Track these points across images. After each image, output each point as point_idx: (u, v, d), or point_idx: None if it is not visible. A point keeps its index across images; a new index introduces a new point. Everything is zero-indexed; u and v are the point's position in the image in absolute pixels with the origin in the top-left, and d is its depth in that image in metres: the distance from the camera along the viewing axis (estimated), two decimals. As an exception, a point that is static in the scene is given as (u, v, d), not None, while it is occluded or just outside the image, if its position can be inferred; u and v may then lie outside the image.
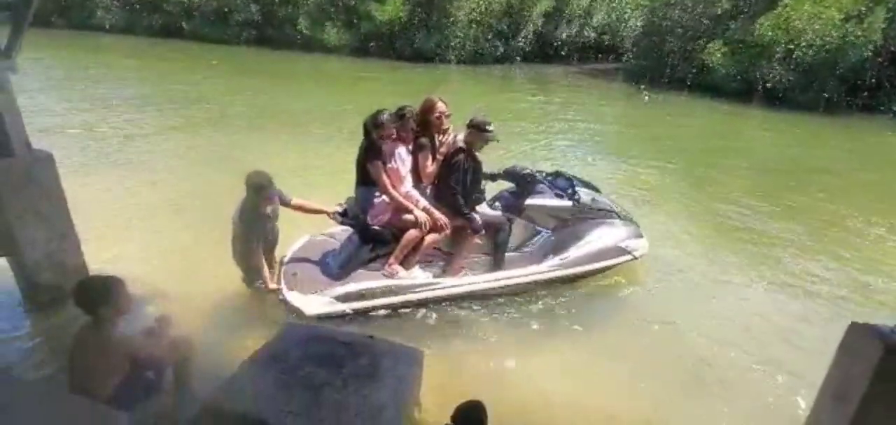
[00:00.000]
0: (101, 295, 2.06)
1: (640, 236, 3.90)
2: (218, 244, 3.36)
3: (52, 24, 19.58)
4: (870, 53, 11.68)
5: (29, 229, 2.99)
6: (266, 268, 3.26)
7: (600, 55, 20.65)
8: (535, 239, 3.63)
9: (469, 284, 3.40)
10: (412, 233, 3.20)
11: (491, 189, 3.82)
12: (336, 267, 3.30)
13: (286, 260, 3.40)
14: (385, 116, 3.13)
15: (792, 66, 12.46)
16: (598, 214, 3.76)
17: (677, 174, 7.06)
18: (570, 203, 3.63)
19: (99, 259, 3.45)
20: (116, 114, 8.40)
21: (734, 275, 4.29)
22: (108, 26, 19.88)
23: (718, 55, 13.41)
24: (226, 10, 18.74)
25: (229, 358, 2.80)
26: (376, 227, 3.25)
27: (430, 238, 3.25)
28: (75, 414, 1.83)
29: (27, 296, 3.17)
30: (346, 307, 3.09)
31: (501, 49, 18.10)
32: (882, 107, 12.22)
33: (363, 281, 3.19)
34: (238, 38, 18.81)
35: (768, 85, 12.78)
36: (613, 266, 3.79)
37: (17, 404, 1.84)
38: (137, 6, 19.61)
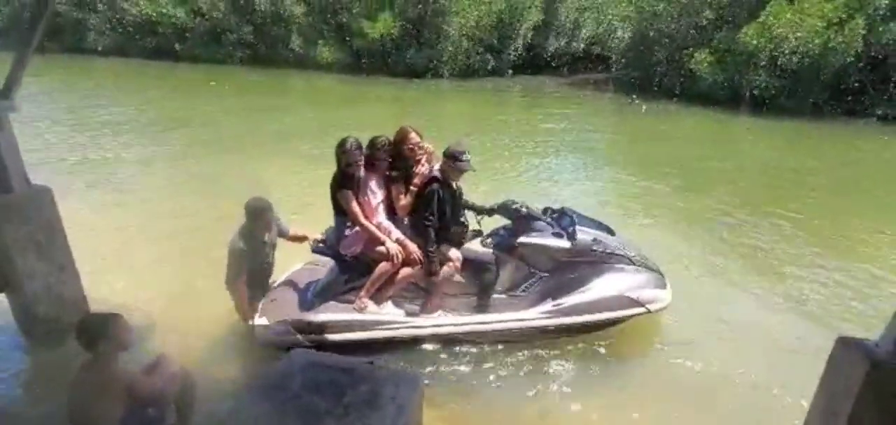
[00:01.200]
0: (100, 331, 2.07)
1: (661, 286, 3.42)
2: (217, 272, 3.37)
3: (44, 48, 19.58)
4: (852, 58, 11.96)
5: (28, 262, 3.00)
6: (245, 300, 3.18)
7: (590, 65, 20.96)
8: (529, 282, 3.33)
9: (445, 325, 3.19)
10: (384, 266, 3.05)
11: (488, 225, 3.59)
12: (311, 297, 3.22)
13: (273, 285, 3.37)
14: (350, 143, 3.01)
15: (777, 73, 12.73)
16: (602, 258, 3.32)
17: (671, 184, 7.15)
18: (567, 243, 3.28)
19: (97, 290, 3.45)
20: (111, 141, 8.42)
21: (735, 287, 4.31)
22: (100, 49, 19.93)
23: (705, 64, 13.66)
24: (218, 30, 18.87)
25: (230, 389, 2.83)
26: (349, 258, 3.13)
27: (404, 272, 3.10)
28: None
29: (25, 330, 3.16)
30: (305, 339, 2.97)
31: (492, 62, 18.33)
32: (866, 111, 12.48)
33: (331, 312, 3.07)
34: (232, 57, 18.92)
35: (755, 92, 13.03)
36: (619, 319, 3.36)
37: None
38: (130, 29, 19.69)
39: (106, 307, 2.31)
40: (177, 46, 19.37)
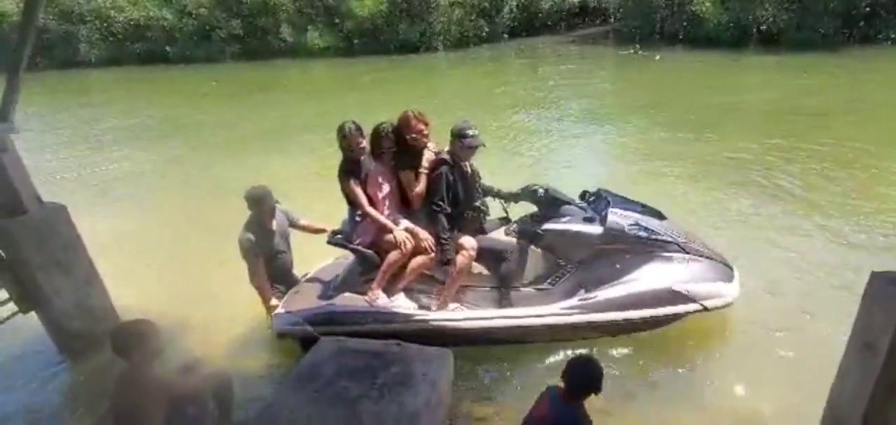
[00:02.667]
0: (134, 339, 2.11)
1: (725, 279, 2.93)
2: (231, 271, 3.37)
3: (36, 65, 19.47)
4: (860, -19, 11.48)
5: (54, 281, 3.04)
6: (265, 291, 3.17)
7: (587, 19, 20.34)
8: (557, 274, 2.99)
9: (461, 320, 2.91)
10: (393, 256, 2.89)
11: (518, 212, 3.30)
12: (331, 289, 3.15)
13: (303, 279, 3.39)
14: (348, 127, 2.89)
15: (785, 6, 12.26)
16: (644, 245, 2.88)
17: (689, 133, 6.94)
18: (599, 229, 2.89)
19: (123, 300, 3.51)
20: (112, 151, 8.44)
21: (776, 226, 4.23)
22: (93, 60, 19.78)
23: (708, 4, 13.20)
24: (207, 27, 18.60)
25: (263, 381, 2.88)
26: (361, 249, 3.00)
27: (416, 261, 2.92)
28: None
29: (60, 346, 3.24)
30: (316, 331, 2.85)
31: (487, 28, 17.88)
32: (880, 36, 12.02)
33: (344, 304, 2.98)
34: (223, 54, 18.70)
35: (762, 28, 12.60)
36: (667, 317, 2.90)
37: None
38: (120, 36, 19.47)
39: (132, 315, 2.34)
40: (167, 49, 19.17)
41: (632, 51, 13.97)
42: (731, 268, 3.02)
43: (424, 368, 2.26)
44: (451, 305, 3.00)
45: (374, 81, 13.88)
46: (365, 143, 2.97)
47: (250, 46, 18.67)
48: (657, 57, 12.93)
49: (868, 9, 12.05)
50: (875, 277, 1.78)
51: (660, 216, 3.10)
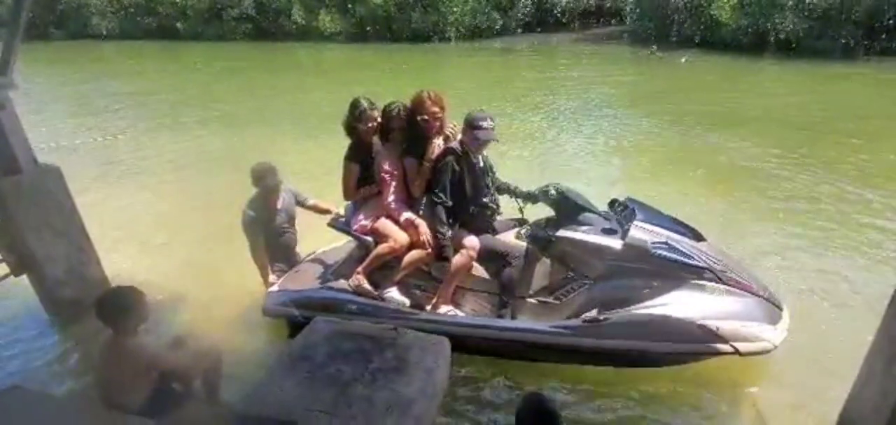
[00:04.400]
0: (120, 307, 2.05)
1: (769, 320, 2.46)
2: (233, 247, 3.32)
3: (50, 35, 19.55)
4: (887, -7, 11.20)
5: (46, 245, 2.99)
6: (264, 269, 3.13)
7: (602, 19, 20.05)
8: (567, 287, 2.68)
9: (449, 325, 2.62)
10: (382, 248, 2.73)
11: (532, 213, 3.03)
12: (329, 273, 3.03)
13: (305, 259, 3.30)
14: (363, 103, 2.70)
15: (805, 14, 12.00)
16: (673, 268, 2.47)
17: (715, 135, 6.75)
18: (619, 243, 2.54)
19: (117, 270, 3.45)
20: (119, 122, 8.42)
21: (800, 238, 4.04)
22: (104, 32, 19.82)
23: (728, 8, 12.94)
24: (218, 6, 18.52)
25: (255, 361, 2.81)
26: (359, 235, 2.86)
27: (412, 256, 2.73)
28: (107, 429, 1.83)
29: (50, 311, 3.19)
30: (299, 314, 2.73)
31: (500, 21, 17.67)
32: (902, 49, 11.74)
33: (332, 292, 2.85)
34: (234, 33, 18.64)
35: (781, 35, 12.34)
36: (688, 354, 2.53)
37: (51, 419, 1.84)
38: (131, 10, 19.46)
39: (127, 284, 2.27)
40: (178, 25, 19.13)
41: (649, 52, 13.73)
42: (780, 308, 2.56)
43: (420, 356, 2.17)
44: (445, 307, 2.75)
45: (384, 68, 13.77)
46: (375, 122, 2.75)
47: (261, 27, 18.61)
48: (683, 59, 12.65)
49: (892, 21, 11.76)
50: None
51: (697, 236, 2.68)
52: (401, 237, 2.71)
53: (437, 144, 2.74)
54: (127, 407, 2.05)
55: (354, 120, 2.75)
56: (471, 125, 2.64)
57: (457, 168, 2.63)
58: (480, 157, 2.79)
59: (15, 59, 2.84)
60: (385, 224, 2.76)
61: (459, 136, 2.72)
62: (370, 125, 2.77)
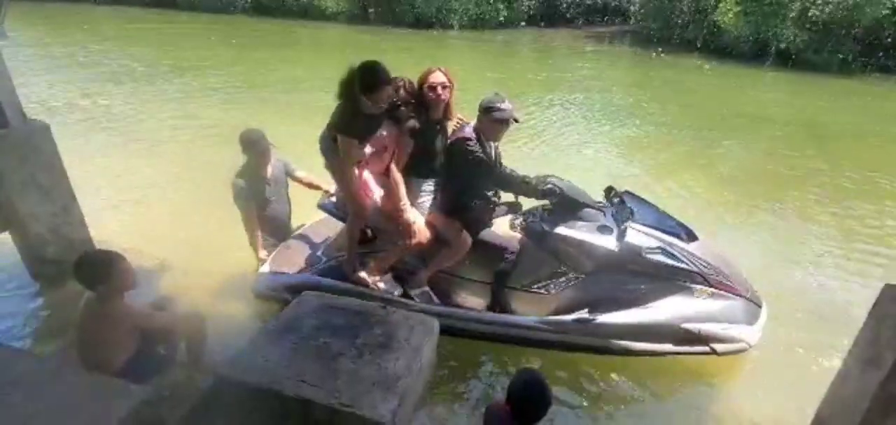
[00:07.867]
0: (100, 271, 2.01)
1: (748, 320, 2.63)
2: (223, 215, 3.29)
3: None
4: (887, 11, 11.27)
5: (31, 203, 2.92)
6: (260, 238, 3.11)
7: (607, 17, 19.99)
8: (556, 280, 2.71)
9: (441, 315, 2.52)
10: (355, 231, 2.70)
11: (527, 200, 2.94)
12: (320, 251, 2.98)
13: (295, 232, 3.26)
14: (381, 70, 2.32)
15: (807, 26, 12.06)
16: (660, 270, 2.56)
17: (720, 140, 6.78)
18: (613, 245, 2.57)
19: (104, 232, 3.39)
20: (114, 87, 8.23)
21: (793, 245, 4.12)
22: (98, -4, 19.29)
23: (731, 15, 12.96)
24: (219, -24, 18.13)
25: (241, 330, 2.79)
26: (368, 225, 2.78)
27: (445, 255, 2.67)
28: (87, 388, 1.81)
29: (33, 271, 3.13)
30: (292, 299, 2.58)
31: (505, 13, 17.52)
32: (900, 68, 11.88)
33: (324, 276, 2.80)
34: (234, 6, 18.26)
35: (781, 45, 12.42)
36: (668, 354, 2.63)
37: (30, 378, 1.81)
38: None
39: (113, 248, 2.23)
40: (176, -7, 18.69)
41: (653, 54, 13.71)
42: (759, 306, 2.71)
43: (408, 333, 2.18)
44: (423, 287, 2.74)
45: (386, 49, 13.58)
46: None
47: (262, 2, 18.24)
48: (707, 67, 12.45)
49: (891, 39, 11.87)
50: (886, 290, 1.69)
51: (691, 236, 2.73)
52: (465, 242, 2.57)
53: (455, 126, 2.65)
54: (108, 369, 2.03)
55: (370, 87, 2.28)
56: (487, 110, 2.49)
57: (471, 156, 2.50)
58: (494, 146, 2.67)
59: (5, 10, 2.76)
60: (440, 220, 2.60)
61: (473, 123, 2.59)
62: (397, 94, 2.44)
